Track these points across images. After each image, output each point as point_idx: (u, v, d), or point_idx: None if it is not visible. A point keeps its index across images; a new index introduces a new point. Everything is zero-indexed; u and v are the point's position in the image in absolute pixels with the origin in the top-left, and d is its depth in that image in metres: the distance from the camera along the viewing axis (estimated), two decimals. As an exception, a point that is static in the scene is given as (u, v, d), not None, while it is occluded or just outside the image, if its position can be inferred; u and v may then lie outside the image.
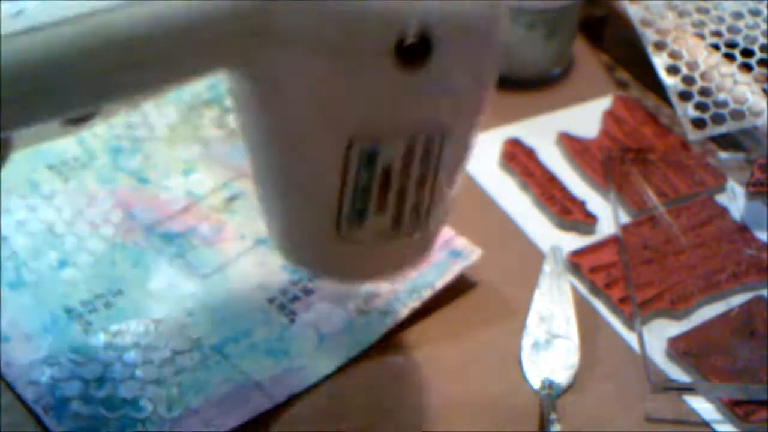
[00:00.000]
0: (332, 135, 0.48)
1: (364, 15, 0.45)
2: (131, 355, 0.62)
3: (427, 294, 0.66)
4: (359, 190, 0.50)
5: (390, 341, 0.65)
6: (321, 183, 0.50)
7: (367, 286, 0.66)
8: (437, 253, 0.68)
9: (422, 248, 0.56)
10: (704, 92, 0.79)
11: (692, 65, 0.80)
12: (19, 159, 0.72)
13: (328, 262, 0.55)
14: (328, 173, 0.49)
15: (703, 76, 0.79)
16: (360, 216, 0.51)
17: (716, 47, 0.81)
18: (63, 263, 0.66)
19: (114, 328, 0.63)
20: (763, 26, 0.81)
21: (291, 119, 0.49)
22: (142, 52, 0.44)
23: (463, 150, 0.53)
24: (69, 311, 0.64)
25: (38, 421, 0.58)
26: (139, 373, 0.61)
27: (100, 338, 0.62)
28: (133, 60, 0.44)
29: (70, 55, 0.43)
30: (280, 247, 0.56)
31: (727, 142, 0.81)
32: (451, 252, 0.68)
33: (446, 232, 0.69)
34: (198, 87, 0.79)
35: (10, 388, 0.60)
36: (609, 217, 0.74)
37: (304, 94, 0.47)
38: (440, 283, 0.67)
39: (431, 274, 0.67)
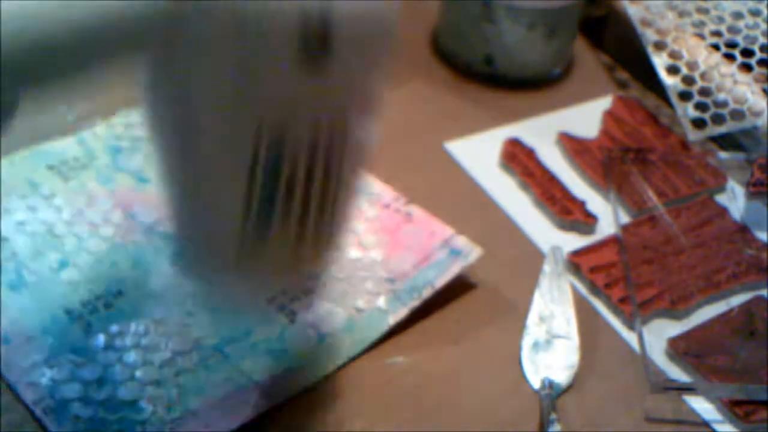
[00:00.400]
0: (238, 125, 0.49)
1: (267, 10, 0.46)
2: (131, 356, 0.62)
3: (427, 292, 0.66)
4: (264, 199, 0.50)
5: (390, 341, 0.65)
6: (227, 192, 0.50)
7: (368, 286, 0.66)
8: (437, 252, 0.68)
9: (330, 247, 0.56)
10: (704, 92, 0.79)
11: (692, 65, 0.80)
12: (18, 159, 0.72)
13: (231, 273, 0.54)
14: (233, 182, 0.49)
15: (703, 76, 0.79)
16: (265, 225, 0.51)
17: (716, 47, 0.81)
18: (63, 264, 0.66)
19: (114, 329, 0.63)
20: (763, 26, 0.81)
21: (199, 112, 0.49)
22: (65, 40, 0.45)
23: (360, 151, 0.54)
24: (69, 312, 0.64)
25: (38, 422, 0.58)
26: (139, 374, 0.61)
27: (100, 339, 0.62)
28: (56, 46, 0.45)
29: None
30: (184, 255, 0.56)
31: (727, 142, 0.81)
32: (451, 251, 0.68)
33: (446, 231, 0.69)
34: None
35: (10, 389, 0.60)
36: (609, 217, 0.74)
37: (211, 85, 0.48)
38: (440, 281, 0.67)
39: (431, 272, 0.67)
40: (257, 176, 0.49)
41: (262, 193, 0.50)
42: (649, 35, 0.82)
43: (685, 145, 0.80)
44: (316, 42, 0.47)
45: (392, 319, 0.65)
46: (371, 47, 0.50)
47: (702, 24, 0.82)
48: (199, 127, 0.49)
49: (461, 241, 0.69)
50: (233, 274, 0.54)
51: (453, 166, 0.77)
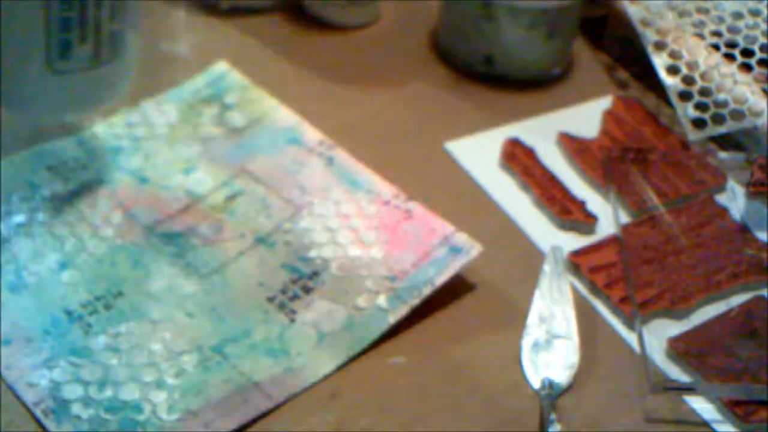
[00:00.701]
0: None
1: None
2: (131, 357, 0.62)
3: (427, 290, 0.66)
4: (62, 25, 0.61)
5: (390, 341, 0.65)
6: (28, 21, 0.60)
7: (368, 285, 0.66)
8: (437, 249, 0.68)
9: (120, 80, 0.68)
10: (704, 92, 0.79)
11: (692, 65, 0.80)
12: (19, 161, 0.72)
13: (40, 96, 0.65)
14: (33, 10, 0.60)
15: (703, 76, 0.79)
16: (66, 47, 0.62)
17: (716, 47, 0.81)
18: (63, 265, 0.66)
19: (114, 329, 0.63)
20: (763, 26, 0.81)
21: None
22: None
23: None
24: (69, 313, 0.64)
25: (38, 423, 0.58)
26: (139, 374, 0.61)
27: (100, 340, 0.62)
28: None
29: None
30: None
31: (727, 142, 0.81)
32: (451, 248, 0.68)
33: (446, 228, 0.69)
34: (198, 85, 0.79)
35: (11, 390, 0.60)
36: (609, 217, 0.74)
37: None
38: (440, 279, 0.67)
39: (431, 270, 0.67)
40: (54, 23, 0.61)
41: (58, 44, 0.62)
42: (649, 35, 0.82)
43: (685, 145, 0.80)
44: None
45: (392, 318, 0.65)
46: None
47: (702, 24, 0.82)
48: None
49: (461, 238, 0.69)
50: (43, 87, 0.64)
51: (453, 166, 0.77)
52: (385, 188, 0.72)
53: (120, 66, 0.66)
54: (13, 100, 0.65)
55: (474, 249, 0.68)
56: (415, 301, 0.66)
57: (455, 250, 0.68)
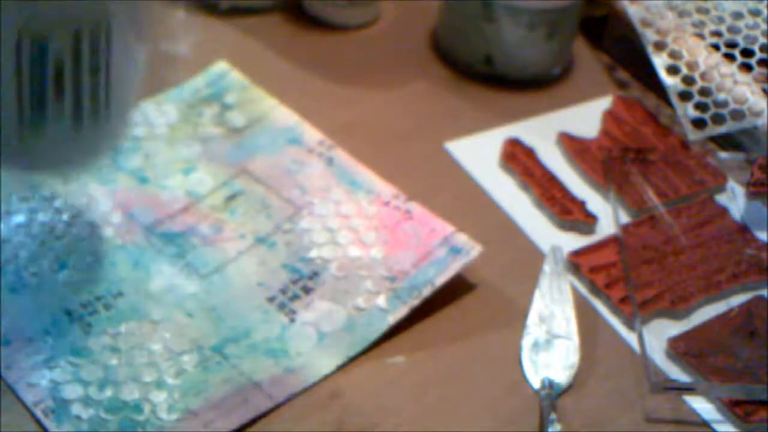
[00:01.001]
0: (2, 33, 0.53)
1: None
2: (131, 357, 0.62)
3: (427, 291, 0.66)
4: (36, 83, 0.55)
5: (390, 341, 0.65)
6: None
7: (368, 285, 0.66)
8: (437, 250, 0.68)
9: (107, 138, 0.61)
10: (704, 92, 0.79)
11: (692, 65, 0.80)
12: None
13: (17, 154, 0.59)
14: (3, 67, 0.54)
15: (703, 76, 0.79)
16: (41, 107, 0.55)
17: (716, 47, 0.81)
18: (63, 265, 0.66)
19: (114, 329, 0.63)
20: (763, 26, 0.81)
21: None
22: None
23: (130, 48, 0.58)
24: (69, 313, 0.64)
25: (38, 423, 0.58)
26: (139, 375, 0.61)
27: (100, 340, 0.62)
28: None
29: None
30: None
31: (727, 142, 0.81)
32: (451, 248, 0.68)
33: (446, 229, 0.69)
34: (198, 85, 0.79)
35: (11, 390, 0.60)
36: (609, 217, 0.74)
37: None
38: (440, 279, 0.67)
39: (431, 270, 0.67)
40: (24, 73, 0.54)
41: (31, 106, 0.55)
42: (649, 35, 0.82)
43: (685, 145, 0.80)
44: None
45: (392, 319, 0.65)
46: None
47: (702, 24, 0.82)
48: None
49: (461, 239, 0.69)
50: (16, 150, 0.58)
51: (453, 166, 0.77)
52: (385, 188, 0.72)
53: (105, 125, 0.59)
54: None
55: (474, 249, 0.68)
56: (415, 301, 0.66)
57: (455, 251, 0.68)
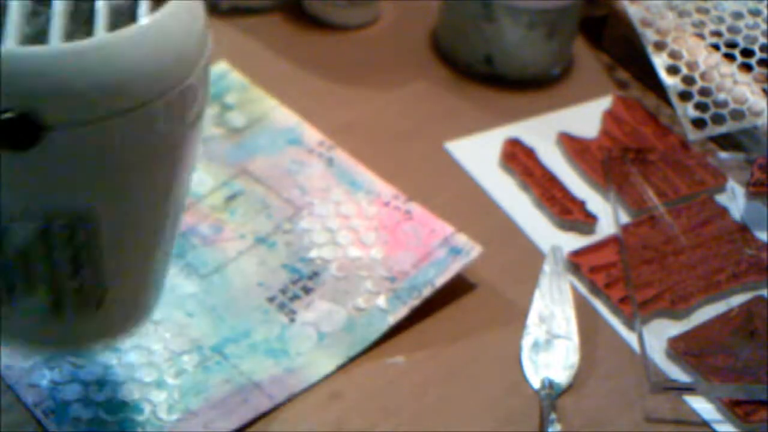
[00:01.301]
0: None
1: None
2: (131, 357, 0.62)
3: (427, 291, 0.66)
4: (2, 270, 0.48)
5: (390, 341, 0.65)
6: None
7: (368, 285, 0.66)
8: (437, 250, 0.68)
9: (114, 325, 0.54)
10: (704, 92, 0.79)
11: (692, 65, 0.80)
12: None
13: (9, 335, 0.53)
14: None
15: (703, 76, 0.79)
16: (9, 295, 0.49)
17: (716, 47, 0.81)
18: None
19: (114, 329, 0.63)
20: (763, 26, 0.81)
21: None
22: None
23: (131, 232, 0.50)
24: (69, 313, 0.64)
25: (39, 423, 0.58)
26: (138, 375, 0.61)
27: (101, 340, 0.62)
28: None
29: None
30: None
31: (727, 142, 0.81)
32: (451, 249, 0.68)
33: (446, 229, 0.69)
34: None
35: (11, 390, 0.60)
36: (609, 217, 0.74)
37: None
38: (440, 280, 0.67)
39: (431, 271, 0.67)
40: None
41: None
42: (649, 35, 0.82)
43: (685, 145, 0.80)
44: (16, 131, 0.43)
45: (392, 319, 0.65)
46: (95, 138, 0.45)
47: (702, 24, 0.82)
48: None
49: (461, 239, 0.69)
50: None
51: (453, 166, 0.77)
52: (385, 189, 0.72)
53: (108, 313, 0.52)
54: None
55: (474, 250, 0.68)
56: (415, 301, 0.66)
57: (455, 251, 0.68)
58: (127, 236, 0.50)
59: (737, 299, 0.69)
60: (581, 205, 0.74)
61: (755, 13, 0.82)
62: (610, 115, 0.82)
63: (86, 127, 0.44)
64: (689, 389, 0.64)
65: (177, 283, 0.66)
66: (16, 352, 0.59)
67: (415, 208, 0.71)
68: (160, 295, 0.56)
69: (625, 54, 0.87)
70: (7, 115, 0.42)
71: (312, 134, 0.76)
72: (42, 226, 0.46)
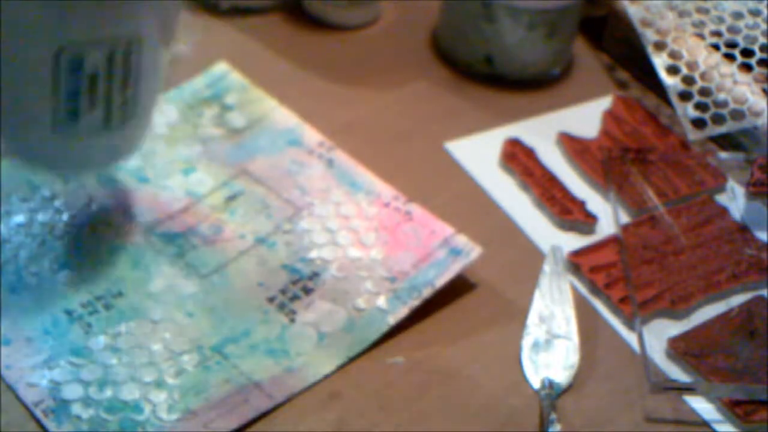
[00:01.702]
0: (40, 48, 0.56)
1: None
2: (131, 357, 0.62)
3: (427, 292, 0.66)
4: (70, 93, 0.58)
5: (390, 341, 0.65)
6: (35, 87, 0.58)
7: (368, 286, 0.66)
8: (437, 251, 0.68)
9: (134, 140, 0.64)
10: (704, 92, 0.79)
11: (692, 65, 0.80)
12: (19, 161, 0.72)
13: (47, 155, 0.63)
14: (40, 79, 0.57)
15: (703, 76, 0.79)
16: (74, 115, 0.59)
17: (716, 47, 0.81)
18: (63, 265, 0.66)
19: (114, 329, 0.63)
20: (763, 26, 0.81)
21: (3, 35, 0.56)
22: None
23: (158, 55, 0.62)
24: (69, 313, 0.64)
25: (38, 423, 0.58)
26: (139, 374, 0.61)
27: (100, 340, 0.62)
28: None
29: None
30: (5, 145, 0.63)
31: (727, 142, 0.81)
32: (451, 250, 0.68)
33: (446, 230, 0.69)
34: (198, 85, 0.79)
35: (11, 390, 0.60)
36: (609, 217, 0.74)
37: (12, 12, 0.55)
38: (440, 281, 0.67)
39: (431, 271, 0.67)
40: (60, 82, 0.57)
41: (66, 112, 0.59)
42: (649, 35, 0.82)
43: (685, 145, 0.80)
44: None
45: (392, 319, 0.65)
46: None
47: (702, 24, 0.82)
48: (6, 56, 0.57)
49: (461, 240, 0.69)
50: (49, 154, 0.62)
51: (453, 166, 0.77)
52: (385, 190, 0.72)
53: (133, 128, 0.63)
54: (20, 155, 0.64)
55: (474, 251, 0.68)
56: (415, 302, 0.66)
57: (455, 252, 0.68)
58: (156, 63, 0.61)
59: (737, 299, 0.69)
60: (581, 205, 0.74)
61: (755, 13, 0.82)
62: (610, 115, 0.82)
63: None
64: (689, 389, 0.64)
65: (177, 283, 0.66)
66: (65, 174, 0.70)
67: (415, 209, 0.71)
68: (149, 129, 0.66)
69: (625, 54, 0.87)
70: None
71: (312, 135, 0.76)
72: (108, 52, 0.57)
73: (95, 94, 0.59)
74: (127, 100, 0.60)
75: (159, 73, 0.63)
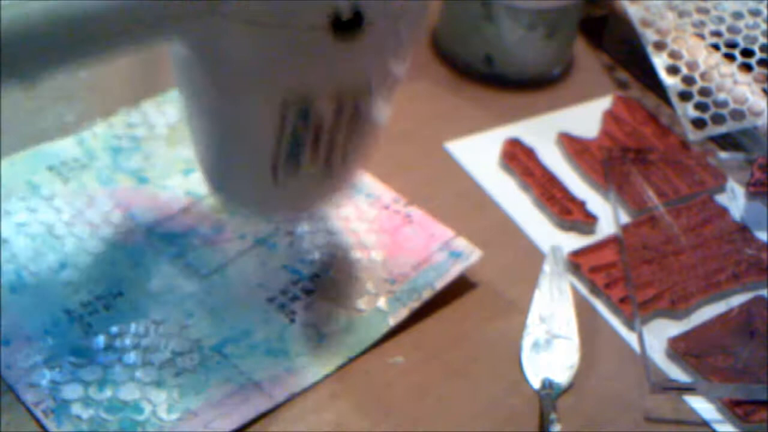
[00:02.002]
0: (268, 96, 0.54)
1: None
2: (131, 357, 0.62)
3: (427, 294, 0.66)
4: (294, 143, 0.55)
5: (390, 341, 0.65)
6: (259, 136, 0.56)
7: (368, 287, 0.66)
8: (437, 254, 0.68)
9: (347, 181, 0.62)
10: (704, 92, 0.79)
11: (692, 65, 0.80)
12: (18, 161, 0.72)
13: (263, 203, 0.62)
14: (264, 128, 0.55)
15: (703, 76, 0.79)
16: (293, 165, 0.56)
17: (716, 47, 0.81)
18: (63, 265, 0.66)
19: (114, 329, 0.63)
20: (763, 26, 0.81)
21: (232, 83, 0.54)
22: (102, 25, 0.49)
23: (383, 110, 0.59)
24: (69, 313, 0.64)
25: (38, 423, 0.58)
26: (139, 374, 0.61)
27: (100, 340, 0.62)
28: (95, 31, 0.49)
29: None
30: (214, 187, 0.62)
31: (727, 142, 0.81)
32: (451, 253, 0.68)
33: (446, 233, 0.69)
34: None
35: (11, 390, 0.60)
36: (609, 217, 0.74)
37: (244, 62, 0.53)
38: (440, 283, 0.67)
39: (431, 274, 0.67)
40: (285, 132, 0.55)
41: (286, 163, 0.56)
42: (649, 35, 0.82)
43: (685, 145, 0.80)
44: (348, 26, 0.50)
45: (392, 320, 0.65)
46: (404, 22, 0.54)
47: (702, 24, 0.82)
48: (233, 103, 0.55)
49: (461, 243, 0.69)
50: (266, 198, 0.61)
51: (453, 166, 0.77)
52: (386, 192, 0.72)
53: (350, 172, 0.61)
54: (234, 201, 0.63)
55: (474, 254, 0.68)
56: (415, 304, 0.66)
57: (455, 255, 0.68)
58: (382, 111, 0.59)
59: (737, 299, 0.69)
60: (581, 205, 0.74)
61: (755, 13, 0.82)
62: (610, 115, 0.82)
63: (398, 21, 0.53)
64: (689, 389, 0.64)
65: (177, 283, 0.66)
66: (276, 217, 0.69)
67: (416, 211, 0.71)
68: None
69: (625, 54, 0.87)
70: (345, 16, 0.50)
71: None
72: (337, 105, 0.54)
73: (319, 143, 0.56)
74: (350, 150, 0.58)
75: (382, 120, 0.60)
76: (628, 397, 0.64)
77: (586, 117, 0.82)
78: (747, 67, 0.80)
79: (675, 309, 0.68)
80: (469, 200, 0.75)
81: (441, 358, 0.65)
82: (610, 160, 0.77)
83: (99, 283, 0.66)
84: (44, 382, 0.60)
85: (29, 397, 0.59)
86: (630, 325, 0.67)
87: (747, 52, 0.80)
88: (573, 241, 0.72)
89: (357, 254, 0.69)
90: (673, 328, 0.67)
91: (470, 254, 0.68)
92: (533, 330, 0.66)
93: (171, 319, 0.64)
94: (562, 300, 0.68)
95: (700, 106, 0.78)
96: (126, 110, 0.76)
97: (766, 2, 0.82)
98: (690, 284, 0.69)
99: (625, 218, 0.74)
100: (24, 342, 0.62)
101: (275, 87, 0.53)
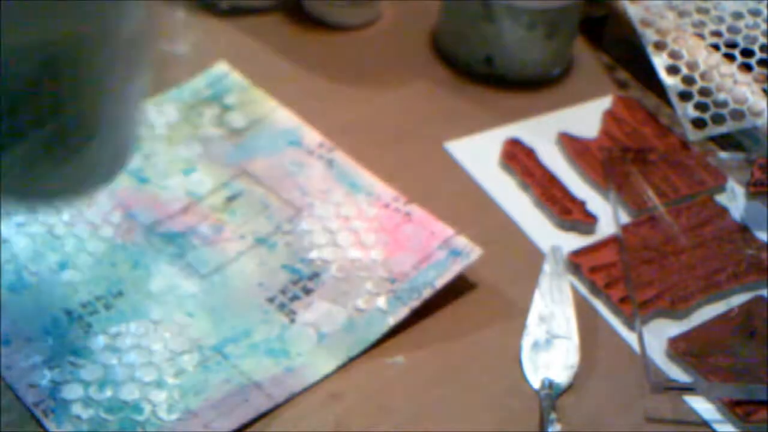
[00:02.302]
0: None
1: None
2: (131, 357, 0.62)
3: (427, 293, 0.66)
4: (9, 107, 0.49)
5: (390, 341, 0.65)
6: None
7: (368, 286, 0.66)
8: (437, 252, 0.68)
9: (110, 161, 0.55)
10: (704, 92, 0.79)
11: (692, 65, 0.80)
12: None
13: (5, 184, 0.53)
14: None
15: (703, 76, 0.79)
16: (18, 130, 0.50)
17: (716, 47, 0.81)
18: (63, 265, 0.66)
19: (114, 329, 0.63)
20: (763, 26, 0.81)
21: None
22: None
23: (122, 60, 0.52)
24: (69, 313, 0.64)
25: (38, 423, 0.58)
26: (139, 374, 0.61)
27: (100, 340, 0.62)
28: None
29: None
30: None
31: (727, 142, 0.81)
32: (451, 251, 0.68)
33: (446, 232, 0.69)
34: (198, 86, 0.79)
35: (11, 390, 0.60)
36: (609, 217, 0.74)
37: None
38: (440, 281, 0.67)
39: (431, 272, 0.67)
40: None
41: (8, 126, 0.49)
42: (649, 35, 0.82)
43: (685, 145, 0.80)
44: None
45: (392, 320, 0.65)
46: None
47: (702, 24, 0.82)
48: None
49: (461, 242, 0.69)
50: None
51: (453, 166, 0.77)
52: (385, 191, 0.72)
53: (104, 147, 0.53)
54: None
55: (474, 252, 0.68)
56: (415, 303, 0.66)
57: (455, 253, 0.68)
58: (118, 69, 0.51)
59: (737, 299, 0.69)
60: (581, 205, 0.74)
61: (755, 13, 0.82)
62: (610, 115, 0.82)
63: None
64: (689, 389, 0.64)
65: (177, 283, 0.66)
66: (9, 205, 0.60)
67: (415, 210, 0.71)
68: (132, 150, 0.56)
69: (625, 54, 0.87)
70: None
71: (312, 136, 0.76)
72: (45, 56, 0.48)
73: (38, 108, 0.49)
74: (82, 114, 0.51)
75: (130, 96, 0.54)
76: (628, 397, 0.64)
77: (586, 117, 0.82)
78: (747, 67, 0.80)
79: (675, 309, 0.68)
80: (469, 200, 0.75)
81: (441, 358, 0.65)
82: (610, 160, 0.77)
83: (99, 283, 0.66)
84: (44, 382, 0.60)
85: (29, 396, 0.59)
86: (630, 325, 0.67)
87: (747, 52, 0.80)
88: (573, 241, 0.72)
89: (357, 253, 0.69)
90: (673, 328, 0.67)
91: (470, 252, 0.68)
92: (533, 330, 0.66)
93: (171, 318, 0.64)
94: (562, 300, 0.68)
95: (700, 106, 0.78)
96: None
97: (766, 2, 0.82)
98: (690, 284, 0.69)
99: (625, 218, 0.74)
100: (24, 342, 0.62)
101: None
